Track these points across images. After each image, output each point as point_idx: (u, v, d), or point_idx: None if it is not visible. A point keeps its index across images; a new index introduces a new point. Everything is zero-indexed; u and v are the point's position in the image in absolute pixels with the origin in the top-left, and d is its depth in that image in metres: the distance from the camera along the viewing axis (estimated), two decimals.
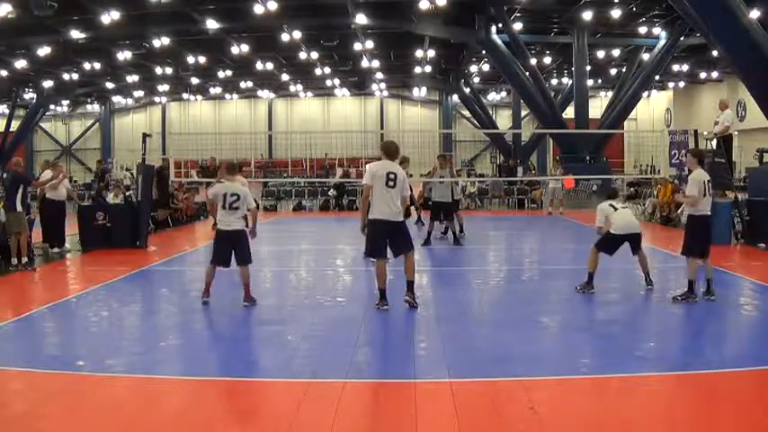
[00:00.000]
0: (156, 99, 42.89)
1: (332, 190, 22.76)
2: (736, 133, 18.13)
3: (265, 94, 41.60)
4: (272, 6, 20.55)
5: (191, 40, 25.93)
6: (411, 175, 11.62)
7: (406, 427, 3.98)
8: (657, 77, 30.78)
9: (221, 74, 33.54)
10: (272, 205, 22.92)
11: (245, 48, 26.60)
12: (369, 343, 5.84)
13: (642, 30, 26.18)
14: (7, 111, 37.91)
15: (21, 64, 27.55)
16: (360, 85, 39.53)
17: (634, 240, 7.73)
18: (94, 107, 44.89)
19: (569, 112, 29.36)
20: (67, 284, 9.32)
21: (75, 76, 31.64)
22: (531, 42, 27.40)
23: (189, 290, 8.07)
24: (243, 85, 38.22)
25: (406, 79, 39.03)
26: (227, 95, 42.64)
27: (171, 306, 7.75)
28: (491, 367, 5.09)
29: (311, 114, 44.00)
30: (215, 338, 6.27)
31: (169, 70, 32.01)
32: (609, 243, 7.72)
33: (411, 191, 7.63)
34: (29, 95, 36.95)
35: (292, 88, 40.13)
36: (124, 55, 26.77)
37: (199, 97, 43.05)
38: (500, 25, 24.75)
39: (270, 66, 31.14)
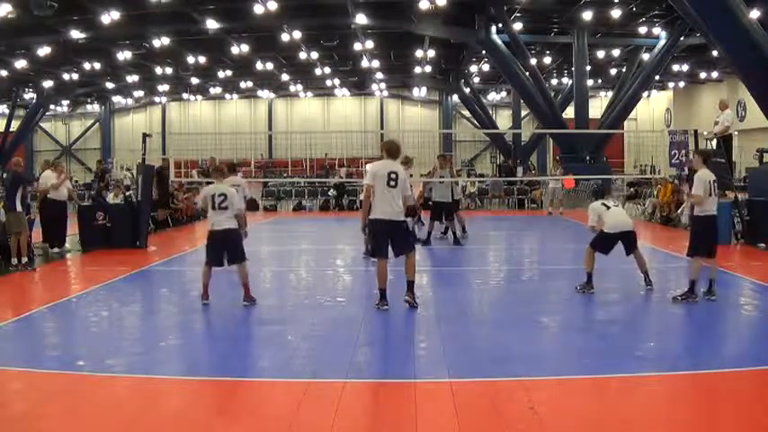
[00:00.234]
0: (156, 99, 42.84)
1: (332, 190, 22.77)
2: (736, 133, 18.13)
3: (265, 94, 41.56)
4: (272, 6, 20.53)
5: (191, 40, 25.91)
6: (411, 176, 11.63)
7: (406, 427, 3.98)
8: (657, 77, 30.73)
9: (221, 74, 33.51)
10: (272, 205, 22.94)
11: (245, 48, 26.58)
12: (369, 343, 5.84)
13: (642, 30, 26.15)
14: (7, 111, 37.86)
15: (21, 64, 27.51)
16: (360, 85, 39.50)
17: (627, 238, 7.72)
18: (94, 107, 44.84)
19: (569, 112, 29.32)
20: (67, 284, 9.32)
21: (75, 76, 31.60)
22: (531, 42, 27.37)
23: (189, 290, 8.07)
24: (243, 85, 38.18)
25: (406, 79, 39.00)
26: (227, 95, 42.59)
27: (171, 306, 7.75)
28: (491, 367, 5.09)
29: (311, 114, 43.96)
30: (215, 338, 6.27)
31: (169, 70, 31.98)
32: (603, 242, 7.72)
33: (412, 190, 7.60)
34: (29, 95, 36.90)
35: (292, 88, 40.09)
36: (124, 55, 26.73)
37: (199, 97, 43.00)
38: (500, 25, 24.72)
39: (270, 66, 31.12)
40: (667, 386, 4.72)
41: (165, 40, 24.44)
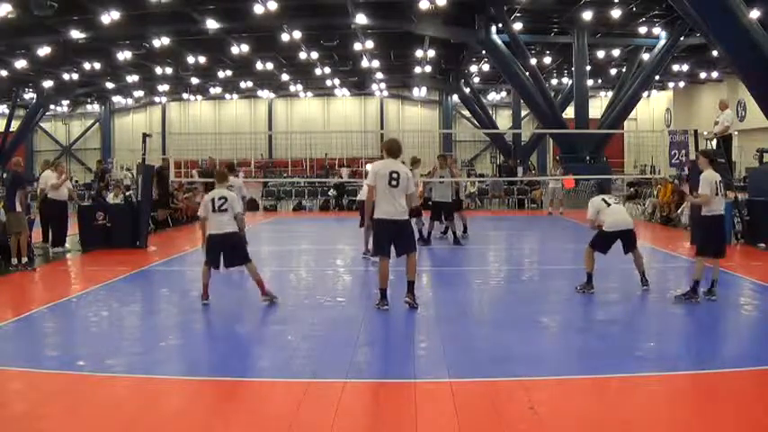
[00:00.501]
0: (156, 99, 42.85)
1: (332, 190, 22.78)
2: (736, 133, 18.13)
3: (265, 94, 41.57)
4: (272, 6, 20.54)
5: (191, 40, 25.92)
6: (421, 176, 11.72)
7: (406, 427, 3.97)
8: (657, 77, 30.75)
9: (221, 74, 33.52)
10: (272, 205, 22.94)
11: (245, 48, 26.59)
12: (369, 343, 5.84)
13: (642, 30, 26.16)
14: (7, 111, 37.89)
15: (21, 64, 27.52)
16: (360, 85, 39.50)
17: (626, 237, 7.71)
18: (94, 107, 44.85)
19: (569, 112, 29.34)
20: (67, 284, 9.31)
21: (75, 76, 31.62)
22: (531, 42, 27.38)
23: (189, 290, 8.06)
24: (243, 85, 38.20)
25: (406, 79, 39.00)
26: (227, 95, 42.60)
27: (171, 306, 7.75)
28: (491, 367, 5.08)
29: (311, 114, 43.97)
30: (215, 338, 6.26)
31: (169, 70, 31.99)
32: (602, 241, 7.71)
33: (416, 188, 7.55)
34: (29, 95, 36.92)
35: (292, 88, 40.10)
36: (124, 55, 26.74)
37: (199, 97, 43.01)
38: (500, 25, 24.73)
39: (270, 66, 31.12)
40: (667, 386, 4.72)
41: (165, 40, 24.46)
